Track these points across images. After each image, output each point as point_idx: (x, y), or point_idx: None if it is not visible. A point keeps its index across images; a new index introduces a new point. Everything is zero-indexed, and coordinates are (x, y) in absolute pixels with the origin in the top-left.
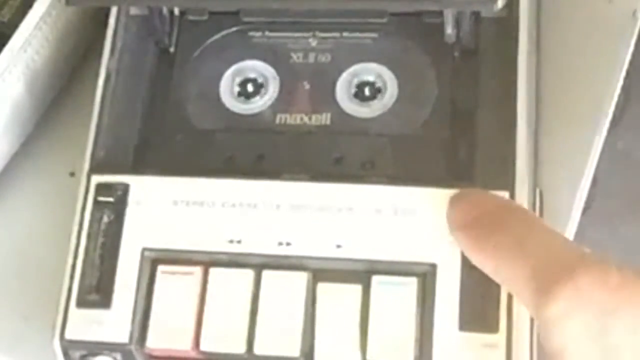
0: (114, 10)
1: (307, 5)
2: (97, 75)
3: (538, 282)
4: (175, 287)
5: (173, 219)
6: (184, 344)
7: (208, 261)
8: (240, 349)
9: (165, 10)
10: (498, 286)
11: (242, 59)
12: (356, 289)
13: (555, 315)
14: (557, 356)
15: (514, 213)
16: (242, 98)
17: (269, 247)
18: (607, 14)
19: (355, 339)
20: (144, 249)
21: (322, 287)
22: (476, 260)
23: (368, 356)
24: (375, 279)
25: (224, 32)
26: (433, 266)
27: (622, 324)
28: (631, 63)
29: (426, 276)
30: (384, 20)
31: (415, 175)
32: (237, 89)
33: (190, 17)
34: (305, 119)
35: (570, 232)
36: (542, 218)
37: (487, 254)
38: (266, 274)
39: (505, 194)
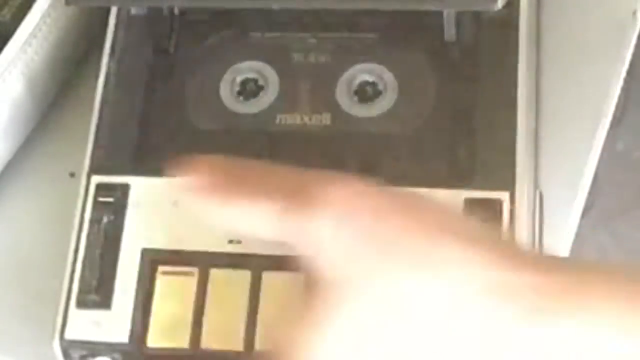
0: (114, 10)
1: (307, 5)
2: (97, 75)
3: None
4: (175, 287)
5: (173, 219)
6: (184, 344)
7: (208, 261)
8: (239, 349)
9: (165, 10)
10: None
11: (242, 59)
12: None
13: (323, 235)
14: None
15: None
16: (242, 98)
17: (268, 248)
18: (607, 14)
19: None
20: (144, 249)
21: None
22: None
23: None
24: None
25: (224, 32)
26: None
27: (389, 225)
28: (631, 63)
29: None
30: (384, 20)
31: (416, 175)
32: (237, 89)
33: (190, 17)
34: (306, 119)
35: (570, 233)
36: (542, 219)
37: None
38: (266, 274)
39: (505, 194)
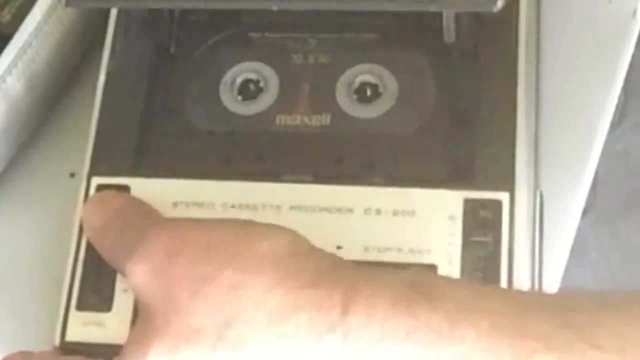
0: (114, 11)
1: (307, 5)
2: (97, 75)
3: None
4: None
5: None
6: None
7: None
8: None
9: (165, 11)
10: None
11: (242, 59)
12: None
13: (132, 272)
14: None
15: None
16: (242, 99)
17: None
18: (607, 14)
19: None
20: None
21: None
22: None
23: None
24: None
25: (224, 33)
26: (433, 267)
27: (181, 260)
28: (631, 64)
29: None
30: (384, 20)
31: (415, 176)
32: (237, 89)
33: (190, 17)
34: (306, 119)
35: (570, 233)
36: (542, 219)
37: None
38: None
39: (505, 194)
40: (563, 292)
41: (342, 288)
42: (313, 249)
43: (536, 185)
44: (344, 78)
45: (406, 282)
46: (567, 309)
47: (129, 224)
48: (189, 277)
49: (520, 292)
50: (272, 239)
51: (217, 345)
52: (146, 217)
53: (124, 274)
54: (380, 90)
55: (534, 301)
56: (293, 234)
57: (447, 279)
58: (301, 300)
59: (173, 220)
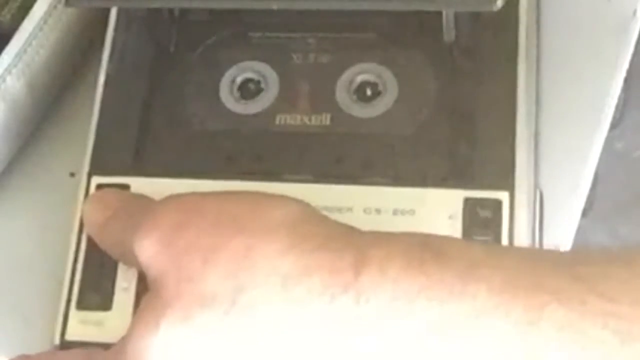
0: (114, 11)
1: (307, 5)
2: (97, 75)
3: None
4: None
5: None
6: None
7: None
8: None
9: (165, 11)
10: None
11: (242, 59)
12: None
13: (140, 246)
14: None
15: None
16: (242, 98)
17: None
18: (607, 14)
19: None
20: None
21: None
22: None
23: None
24: None
25: (224, 32)
26: None
27: (191, 231)
28: (631, 63)
29: None
30: (384, 20)
31: (415, 176)
32: (237, 89)
33: (190, 17)
34: (305, 119)
35: (570, 233)
36: (542, 219)
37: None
38: None
39: (505, 194)
40: (573, 249)
41: (354, 250)
42: (324, 216)
43: (536, 185)
44: (344, 77)
45: (418, 242)
46: (577, 262)
47: (131, 215)
48: (200, 247)
49: (530, 249)
50: (283, 208)
51: (230, 310)
52: (148, 207)
53: (129, 260)
54: (380, 89)
55: (545, 256)
56: (303, 203)
57: (458, 239)
58: (313, 263)
59: (180, 194)
